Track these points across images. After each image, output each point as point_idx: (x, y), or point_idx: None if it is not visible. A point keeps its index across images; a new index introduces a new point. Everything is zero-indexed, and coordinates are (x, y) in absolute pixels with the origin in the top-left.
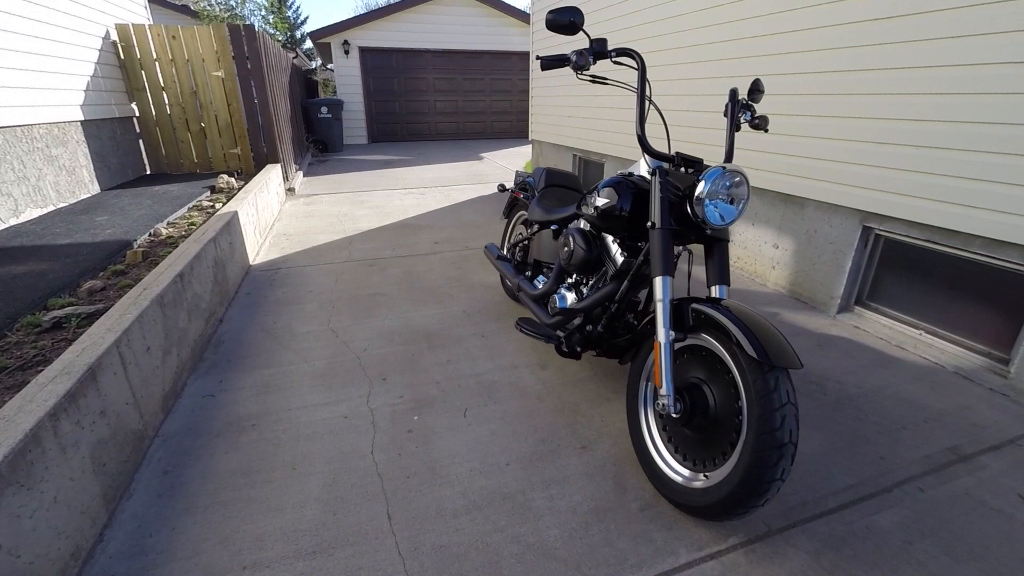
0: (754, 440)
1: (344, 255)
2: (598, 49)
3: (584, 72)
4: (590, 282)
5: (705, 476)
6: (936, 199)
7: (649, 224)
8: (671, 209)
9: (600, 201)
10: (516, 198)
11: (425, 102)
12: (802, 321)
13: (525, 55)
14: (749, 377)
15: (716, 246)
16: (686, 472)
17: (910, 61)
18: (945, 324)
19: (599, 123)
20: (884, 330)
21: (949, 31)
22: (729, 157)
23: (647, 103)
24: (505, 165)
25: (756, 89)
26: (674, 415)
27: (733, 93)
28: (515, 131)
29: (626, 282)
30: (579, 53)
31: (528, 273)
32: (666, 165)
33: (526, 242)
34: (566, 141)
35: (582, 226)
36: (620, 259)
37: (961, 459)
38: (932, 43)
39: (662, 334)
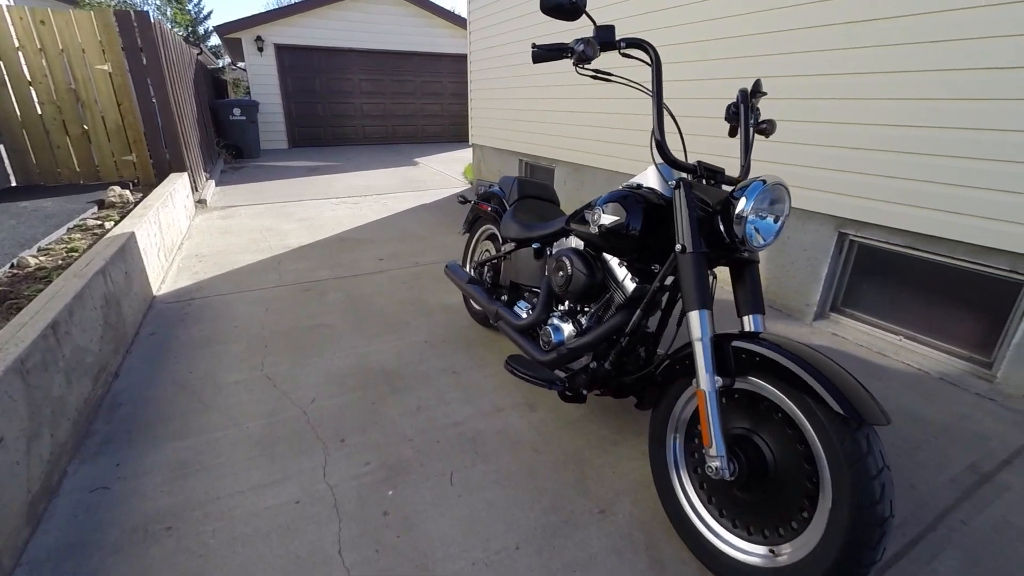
0: (849, 515)
1: (273, 278)
2: (606, 38)
3: (586, 66)
4: (590, 311)
5: (772, 552)
6: (919, 205)
7: (678, 248)
8: (699, 228)
9: (606, 219)
10: (481, 211)
11: (351, 104)
12: (779, 329)
13: (457, 57)
14: (833, 436)
15: (748, 269)
16: (746, 546)
17: (887, 66)
18: (925, 329)
19: (551, 126)
20: (863, 336)
21: (925, 36)
22: (747, 170)
23: (662, 104)
24: (442, 171)
25: (757, 90)
26: (728, 478)
27: (744, 94)
28: (448, 135)
29: (639, 311)
30: (586, 42)
31: (504, 298)
32: (687, 176)
33: (497, 261)
34: (512, 145)
35: (574, 244)
36: (631, 285)
37: (984, 479)
38: (907, 47)
39: (705, 381)
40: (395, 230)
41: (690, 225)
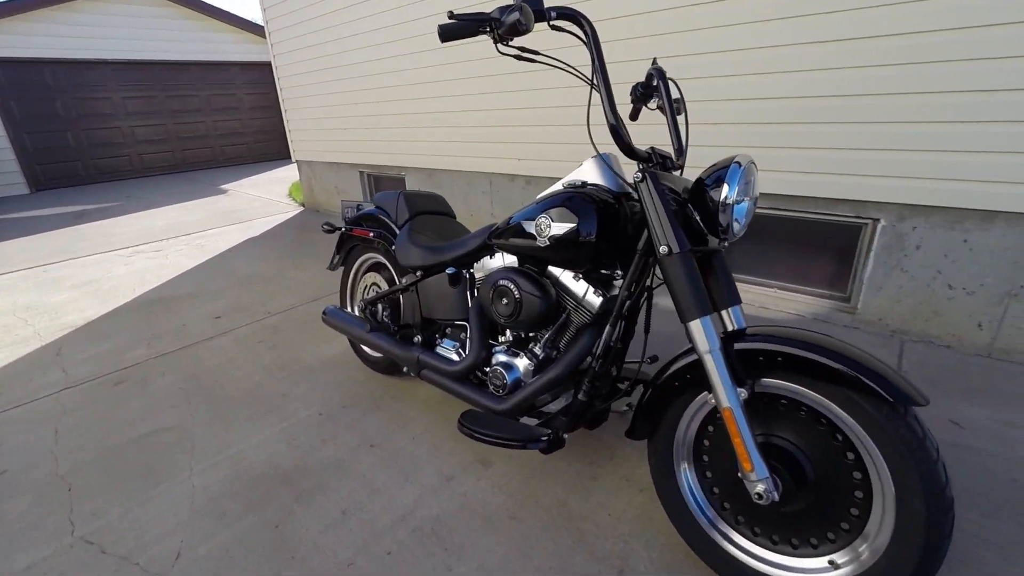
0: (925, 506)
1: (56, 378)
2: (535, 6)
3: (509, 43)
4: (541, 337)
5: (832, 563)
6: (778, 169)
7: (663, 250)
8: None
9: (556, 227)
10: (358, 238)
11: (116, 129)
12: (665, 303)
13: (251, 66)
14: (887, 426)
15: (716, 258)
16: (799, 563)
17: (736, 44)
18: (794, 278)
19: (397, 131)
20: (745, 295)
21: (761, 15)
22: (682, 153)
23: (608, 83)
24: (262, 196)
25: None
26: (777, 499)
27: (659, 71)
28: (256, 154)
29: (608, 328)
30: (518, 9)
31: (418, 339)
32: (648, 166)
33: (395, 296)
34: (349, 157)
35: (502, 263)
36: (596, 300)
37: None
38: (747, 26)
39: (726, 396)
40: (226, 276)
41: (670, 221)
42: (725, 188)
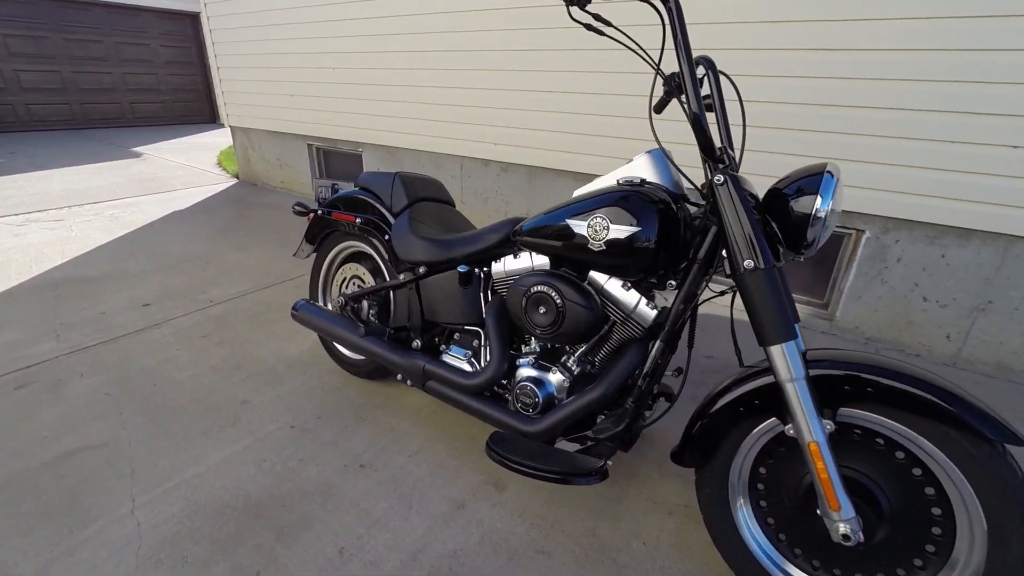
0: (1022, 550)
1: None
2: None
3: (584, 8)
4: (576, 350)
5: None
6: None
7: (748, 264)
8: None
9: (617, 230)
10: (340, 223)
11: None
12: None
13: (167, 14)
14: (986, 464)
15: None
16: None
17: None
18: None
19: (357, 103)
20: (725, 298)
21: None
22: (739, 154)
23: (693, 66)
24: (186, 163)
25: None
26: (862, 540)
27: (709, 61)
28: (175, 115)
29: (659, 343)
30: None
31: (417, 344)
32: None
33: (384, 293)
34: (296, 127)
35: (532, 263)
36: (649, 312)
37: None
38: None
39: (811, 429)
40: (150, 255)
41: (755, 233)
42: (818, 200)
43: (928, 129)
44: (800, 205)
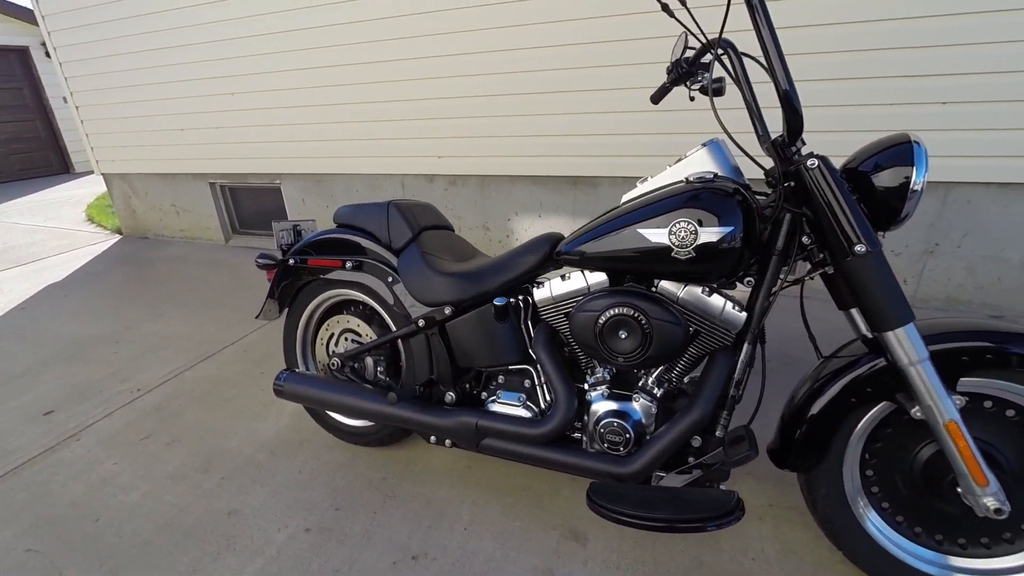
0: None
1: None
2: None
3: None
4: (652, 372)
5: None
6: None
7: (860, 249)
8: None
9: (706, 233)
10: (312, 270)
11: None
12: None
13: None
14: None
15: None
16: (1005, 564)
17: None
18: None
19: (270, 129)
20: None
21: None
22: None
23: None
24: (44, 224)
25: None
26: (1009, 509)
27: (728, 42)
28: (12, 169)
29: (747, 347)
30: None
31: (450, 397)
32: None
33: (391, 345)
34: (191, 165)
35: (587, 281)
36: (738, 316)
37: None
38: None
39: (945, 410)
40: (35, 345)
41: (857, 215)
42: (914, 171)
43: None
44: (887, 179)
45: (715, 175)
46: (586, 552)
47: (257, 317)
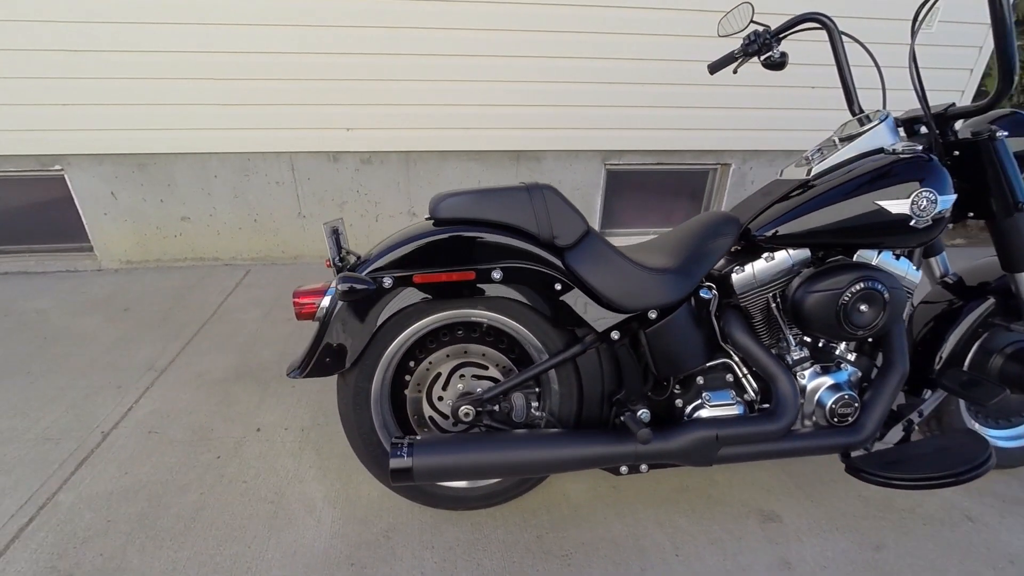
0: None
1: None
2: None
3: None
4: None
5: None
6: (661, 128)
7: None
8: None
9: (944, 202)
10: (427, 287)
11: None
12: None
13: None
14: None
15: None
16: None
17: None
18: (662, 222)
19: (37, 85)
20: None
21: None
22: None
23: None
24: None
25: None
26: None
27: (824, 21)
28: None
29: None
30: None
31: (643, 414)
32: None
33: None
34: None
35: (791, 259)
36: (917, 275)
37: None
38: None
39: None
40: None
41: (1018, 178)
42: None
43: None
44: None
45: (911, 145)
46: (792, 528)
47: (301, 375)
